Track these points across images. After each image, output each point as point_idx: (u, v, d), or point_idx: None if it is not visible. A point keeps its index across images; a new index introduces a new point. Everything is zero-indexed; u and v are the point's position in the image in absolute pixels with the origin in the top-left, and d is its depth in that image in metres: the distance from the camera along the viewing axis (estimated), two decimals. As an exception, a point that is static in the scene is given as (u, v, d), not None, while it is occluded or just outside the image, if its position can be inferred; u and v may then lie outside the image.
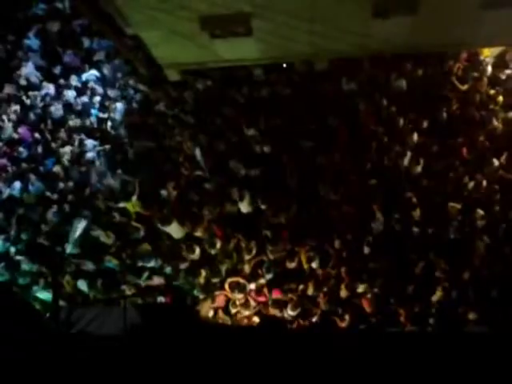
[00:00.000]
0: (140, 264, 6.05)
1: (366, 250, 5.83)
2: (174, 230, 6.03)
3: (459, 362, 4.79)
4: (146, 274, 6.06)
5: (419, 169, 6.06)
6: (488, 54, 6.46)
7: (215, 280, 5.91)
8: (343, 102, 6.41)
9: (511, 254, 5.74)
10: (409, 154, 6.00)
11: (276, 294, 5.87)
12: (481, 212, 5.80)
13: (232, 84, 6.64)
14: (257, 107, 6.45)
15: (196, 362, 5.00)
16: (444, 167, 6.06)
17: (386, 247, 5.82)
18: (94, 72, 7.13)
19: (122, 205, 6.19)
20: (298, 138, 6.23)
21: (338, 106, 6.37)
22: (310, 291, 5.84)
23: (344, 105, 6.38)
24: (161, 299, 6.12)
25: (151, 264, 6.04)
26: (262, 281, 5.92)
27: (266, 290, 5.92)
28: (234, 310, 5.88)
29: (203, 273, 5.98)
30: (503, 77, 6.40)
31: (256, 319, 5.97)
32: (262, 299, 5.94)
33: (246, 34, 5.87)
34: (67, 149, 6.76)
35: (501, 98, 6.33)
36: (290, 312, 5.74)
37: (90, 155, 6.67)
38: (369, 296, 5.76)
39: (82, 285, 6.05)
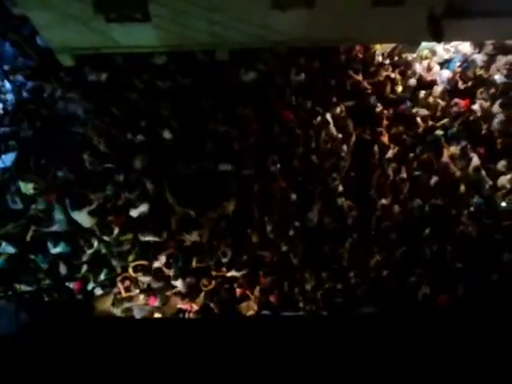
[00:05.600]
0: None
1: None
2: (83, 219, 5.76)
3: (344, 343, 5.17)
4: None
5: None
6: (379, 48, 6.87)
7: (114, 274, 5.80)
8: (246, 91, 6.46)
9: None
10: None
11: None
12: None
13: (133, 71, 6.43)
14: (158, 94, 6.33)
15: (88, 358, 4.95)
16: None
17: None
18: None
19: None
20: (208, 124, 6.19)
21: (242, 95, 6.41)
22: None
23: (248, 93, 6.45)
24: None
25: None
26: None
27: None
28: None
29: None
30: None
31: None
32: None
33: (143, 19, 5.69)
34: None
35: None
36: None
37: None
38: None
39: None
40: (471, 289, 5.97)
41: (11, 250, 5.81)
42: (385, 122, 6.59)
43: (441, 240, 6.19)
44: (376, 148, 6.37)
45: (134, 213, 5.75)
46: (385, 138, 6.48)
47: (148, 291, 5.94)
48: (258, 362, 5.02)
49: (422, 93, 6.79)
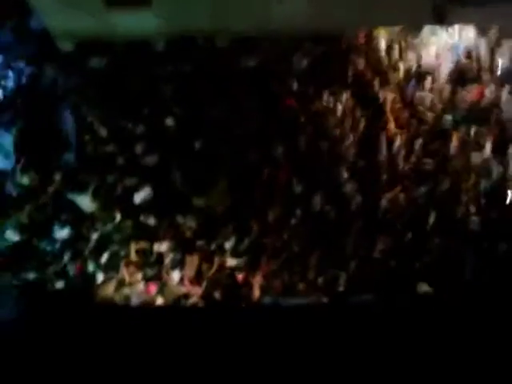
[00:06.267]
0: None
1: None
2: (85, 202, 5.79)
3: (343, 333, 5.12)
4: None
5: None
6: (382, 32, 6.74)
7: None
8: (247, 77, 6.44)
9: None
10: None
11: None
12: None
13: (133, 57, 6.41)
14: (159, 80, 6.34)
15: (89, 346, 4.92)
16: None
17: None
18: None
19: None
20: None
21: (243, 82, 6.39)
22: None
23: (249, 80, 6.42)
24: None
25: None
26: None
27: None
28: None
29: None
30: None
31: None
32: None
33: (143, 3, 5.69)
34: None
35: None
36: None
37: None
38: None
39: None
40: (474, 278, 5.91)
41: (15, 237, 5.82)
42: (390, 109, 6.47)
43: (446, 229, 6.07)
44: (382, 135, 6.28)
45: (137, 197, 5.77)
46: (391, 125, 6.38)
47: (149, 278, 5.94)
48: (260, 349, 5.00)
49: (427, 78, 6.66)
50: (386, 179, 6.17)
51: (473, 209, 6.12)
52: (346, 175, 6.15)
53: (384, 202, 6.06)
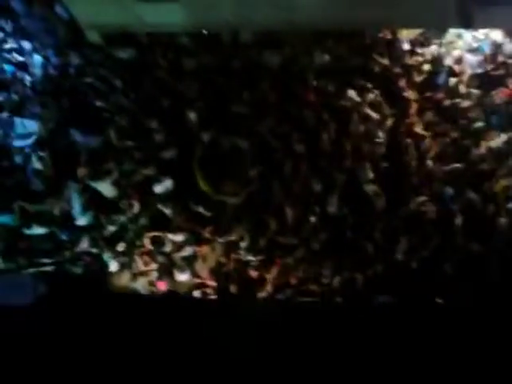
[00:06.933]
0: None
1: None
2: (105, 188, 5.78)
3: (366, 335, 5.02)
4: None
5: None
6: (405, 33, 6.71)
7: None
8: (270, 72, 6.42)
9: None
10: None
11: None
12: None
13: (158, 50, 6.46)
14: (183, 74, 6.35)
15: (106, 336, 4.93)
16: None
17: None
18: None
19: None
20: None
21: (266, 77, 6.38)
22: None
23: (272, 75, 6.40)
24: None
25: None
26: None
27: None
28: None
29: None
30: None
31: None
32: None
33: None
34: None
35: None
36: None
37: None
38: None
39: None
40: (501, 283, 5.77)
41: (41, 230, 5.82)
42: (416, 110, 6.42)
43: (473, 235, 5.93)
44: (409, 137, 6.20)
45: (157, 188, 5.79)
46: (418, 128, 6.29)
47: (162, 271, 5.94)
48: (271, 347, 4.96)
49: (452, 81, 6.59)
50: (413, 181, 6.10)
51: (503, 214, 6.00)
52: (369, 175, 6.06)
53: (409, 204, 5.98)
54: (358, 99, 6.21)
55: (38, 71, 6.25)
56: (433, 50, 6.72)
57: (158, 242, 5.82)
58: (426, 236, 5.86)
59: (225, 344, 4.90)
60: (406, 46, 6.70)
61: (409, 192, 6.01)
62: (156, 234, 5.81)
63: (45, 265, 5.83)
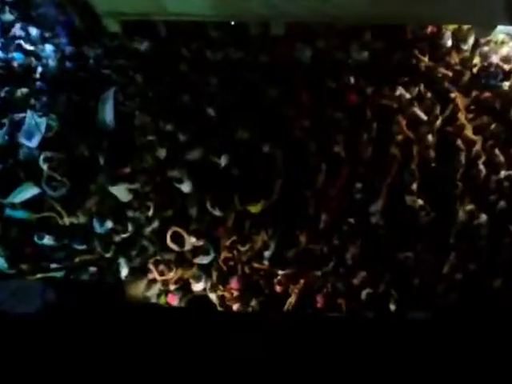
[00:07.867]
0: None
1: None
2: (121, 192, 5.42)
3: (399, 350, 4.59)
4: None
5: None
6: (450, 29, 6.24)
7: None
8: (302, 68, 6.00)
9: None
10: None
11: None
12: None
13: (181, 41, 6.08)
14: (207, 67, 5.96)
15: (118, 348, 4.58)
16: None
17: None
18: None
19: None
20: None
21: (297, 73, 5.96)
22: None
23: (304, 72, 5.99)
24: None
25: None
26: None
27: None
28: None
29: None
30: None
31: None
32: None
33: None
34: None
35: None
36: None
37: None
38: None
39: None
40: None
41: (51, 242, 5.51)
42: (464, 112, 5.87)
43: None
44: (459, 141, 5.64)
45: (184, 188, 5.42)
46: (468, 131, 5.74)
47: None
48: (294, 364, 4.56)
49: (505, 84, 6.04)
50: (461, 190, 5.56)
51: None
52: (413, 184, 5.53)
53: (456, 215, 5.47)
54: (407, 97, 5.73)
55: (52, 62, 5.87)
56: (480, 47, 6.23)
57: (174, 251, 5.45)
58: (475, 249, 5.38)
59: (245, 359, 4.53)
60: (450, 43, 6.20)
61: (457, 201, 5.50)
62: (173, 244, 5.42)
63: (54, 270, 5.49)
